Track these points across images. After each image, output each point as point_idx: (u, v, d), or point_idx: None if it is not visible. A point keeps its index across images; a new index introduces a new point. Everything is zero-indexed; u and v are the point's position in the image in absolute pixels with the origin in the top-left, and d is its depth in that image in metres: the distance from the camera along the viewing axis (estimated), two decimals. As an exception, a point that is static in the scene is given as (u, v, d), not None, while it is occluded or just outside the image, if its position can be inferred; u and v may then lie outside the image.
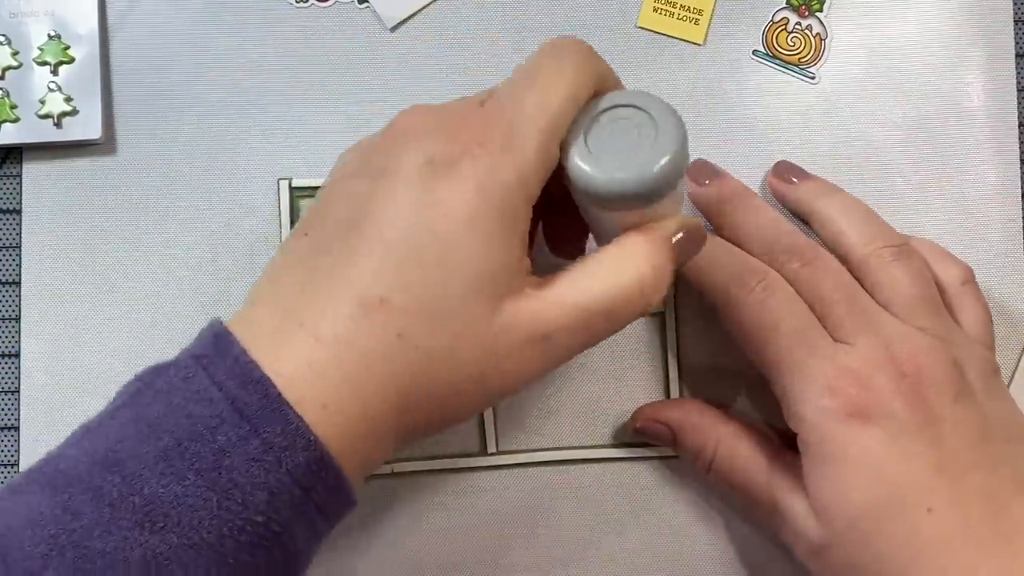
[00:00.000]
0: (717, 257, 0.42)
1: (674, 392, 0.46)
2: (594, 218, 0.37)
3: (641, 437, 0.45)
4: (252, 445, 0.30)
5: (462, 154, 0.33)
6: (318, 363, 0.31)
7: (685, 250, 0.37)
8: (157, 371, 0.32)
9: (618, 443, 0.46)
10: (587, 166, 0.34)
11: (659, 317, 0.46)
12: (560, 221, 0.41)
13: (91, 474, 0.30)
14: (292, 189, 0.46)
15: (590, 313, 0.34)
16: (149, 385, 0.32)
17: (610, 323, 0.35)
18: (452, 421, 0.34)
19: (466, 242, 0.32)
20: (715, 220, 0.44)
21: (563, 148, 0.35)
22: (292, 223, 0.46)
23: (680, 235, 0.36)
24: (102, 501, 0.29)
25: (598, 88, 0.36)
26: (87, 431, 0.32)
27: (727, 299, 0.41)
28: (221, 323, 0.33)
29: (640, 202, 0.34)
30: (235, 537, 0.30)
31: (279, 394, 0.31)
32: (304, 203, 0.46)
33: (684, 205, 0.46)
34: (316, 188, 0.46)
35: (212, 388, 0.31)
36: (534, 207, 0.34)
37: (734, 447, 0.43)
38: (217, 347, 0.32)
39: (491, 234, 0.33)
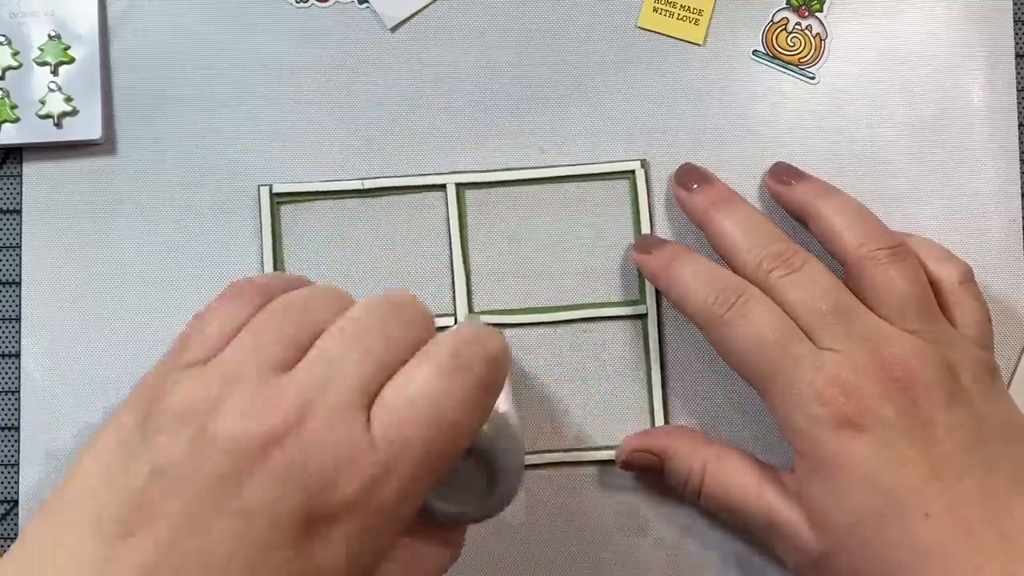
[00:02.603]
0: (696, 275, 0.42)
1: (657, 395, 0.46)
2: None
3: (629, 470, 0.45)
4: None
5: (344, 511, 0.29)
6: None
7: None
8: None
9: (600, 446, 0.46)
10: (437, 507, 0.33)
11: (643, 320, 0.46)
12: None
13: None
14: (273, 196, 0.46)
15: None
16: None
17: None
18: None
19: None
20: (703, 226, 0.44)
21: None
22: (273, 230, 0.46)
23: None
24: None
25: None
26: None
27: (708, 318, 0.41)
28: None
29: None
30: None
31: None
32: (285, 209, 0.46)
33: (674, 208, 0.46)
34: (299, 194, 0.46)
35: None
36: None
37: (722, 468, 0.42)
38: None
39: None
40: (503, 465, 0.34)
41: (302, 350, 0.31)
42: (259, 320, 0.31)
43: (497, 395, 0.32)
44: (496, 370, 0.32)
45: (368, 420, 0.29)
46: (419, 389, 0.30)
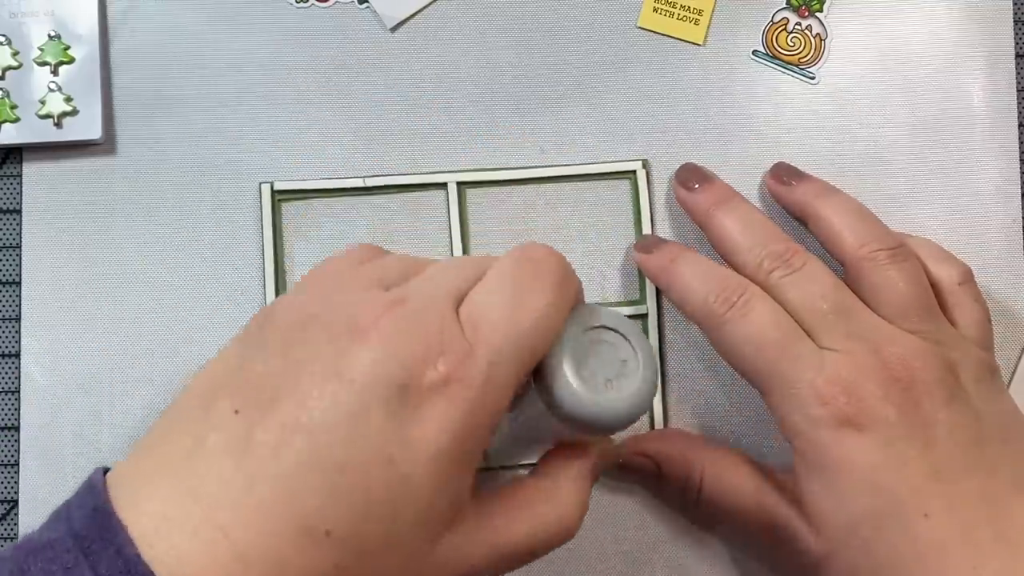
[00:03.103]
0: (696, 274, 0.42)
1: (657, 396, 0.46)
2: (535, 423, 0.38)
3: (625, 473, 0.45)
4: None
5: (437, 387, 0.31)
6: None
7: (600, 471, 0.38)
8: (33, 553, 0.29)
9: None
10: (579, 392, 0.34)
11: (643, 320, 0.46)
12: None
13: None
14: (274, 192, 0.46)
15: (518, 554, 0.34)
16: (24, 572, 0.29)
17: (534, 557, 0.35)
18: None
19: (424, 481, 0.31)
20: (704, 226, 0.44)
21: (541, 366, 0.35)
22: (274, 227, 0.46)
23: (599, 461, 0.38)
24: None
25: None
26: None
27: (709, 317, 0.41)
28: (104, 489, 0.30)
29: (620, 428, 0.36)
30: None
31: None
32: (286, 207, 0.46)
33: (674, 209, 0.46)
34: (300, 191, 0.46)
35: None
36: None
37: (719, 471, 0.42)
38: (99, 528, 0.29)
39: (452, 472, 0.31)
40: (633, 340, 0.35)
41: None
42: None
43: (566, 284, 0.34)
44: (556, 259, 0.35)
45: (457, 314, 0.32)
46: (493, 283, 0.33)
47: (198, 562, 0.29)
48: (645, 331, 0.46)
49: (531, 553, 0.35)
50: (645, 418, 0.46)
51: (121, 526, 0.29)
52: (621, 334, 0.36)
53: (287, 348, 0.31)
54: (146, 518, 0.29)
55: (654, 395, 0.36)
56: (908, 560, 0.37)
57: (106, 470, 0.32)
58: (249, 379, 0.31)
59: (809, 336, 0.39)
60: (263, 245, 0.46)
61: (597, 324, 0.36)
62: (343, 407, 0.30)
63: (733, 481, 0.42)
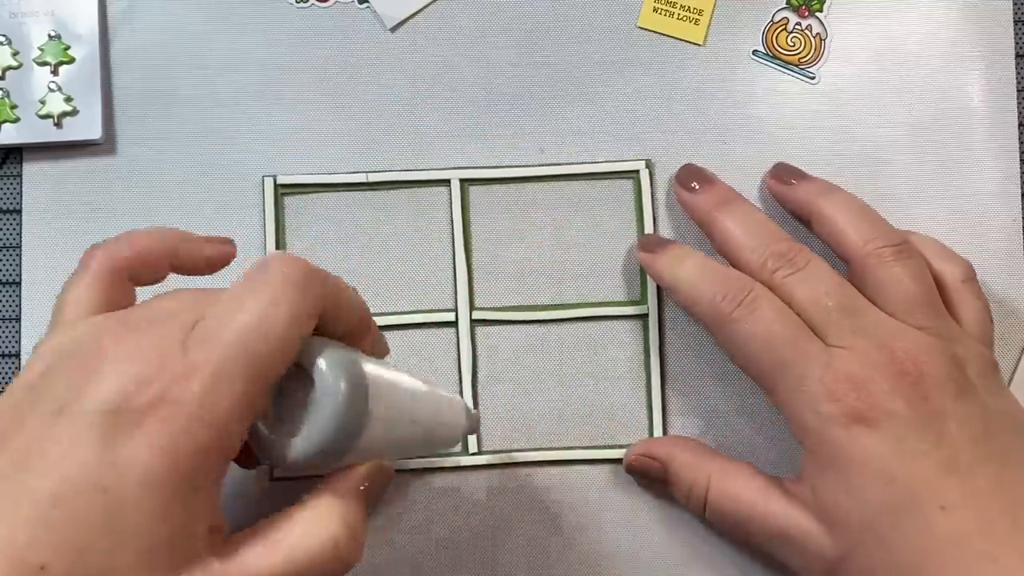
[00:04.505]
0: (702, 274, 0.42)
1: (656, 396, 0.46)
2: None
3: (633, 474, 0.45)
4: None
5: (151, 408, 0.30)
6: None
7: (374, 494, 0.37)
8: None
9: (598, 445, 0.46)
10: (262, 434, 0.33)
11: (643, 319, 0.46)
12: None
13: None
14: (277, 187, 0.46)
15: None
16: None
17: None
18: None
19: (141, 508, 0.29)
20: (705, 227, 0.44)
21: None
22: (277, 221, 0.46)
23: (367, 483, 0.36)
24: None
25: (329, 315, 0.34)
26: None
27: (716, 317, 0.41)
28: None
29: (313, 470, 0.34)
30: None
31: None
32: (288, 201, 0.46)
33: (675, 209, 0.46)
34: (303, 185, 0.46)
35: None
36: None
37: (727, 480, 0.42)
38: None
39: (172, 499, 0.30)
40: (319, 388, 0.32)
41: None
42: None
43: (299, 288, 0.32)
44: (287, 263, 0.33)
45: (187, 338, 0.31)
46: (223, 297, 0.32)
47: None
48: (646, 332, 0.46)
49: None
50: (645, 421, 0.46)
51: None
52: (308, 371, 0.33)
53: (32, 386, 0.31)
54: None
55: (348, 431, 0.33)
56: (926, 553, 0.37)
57: None
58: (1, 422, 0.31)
59: (816, 334, 0.40)
60: (265, 241, 0.46)
61: (299, 361, 0.33)
62: (57, 440, 0.30)
63: (740, 492, 0.42)
